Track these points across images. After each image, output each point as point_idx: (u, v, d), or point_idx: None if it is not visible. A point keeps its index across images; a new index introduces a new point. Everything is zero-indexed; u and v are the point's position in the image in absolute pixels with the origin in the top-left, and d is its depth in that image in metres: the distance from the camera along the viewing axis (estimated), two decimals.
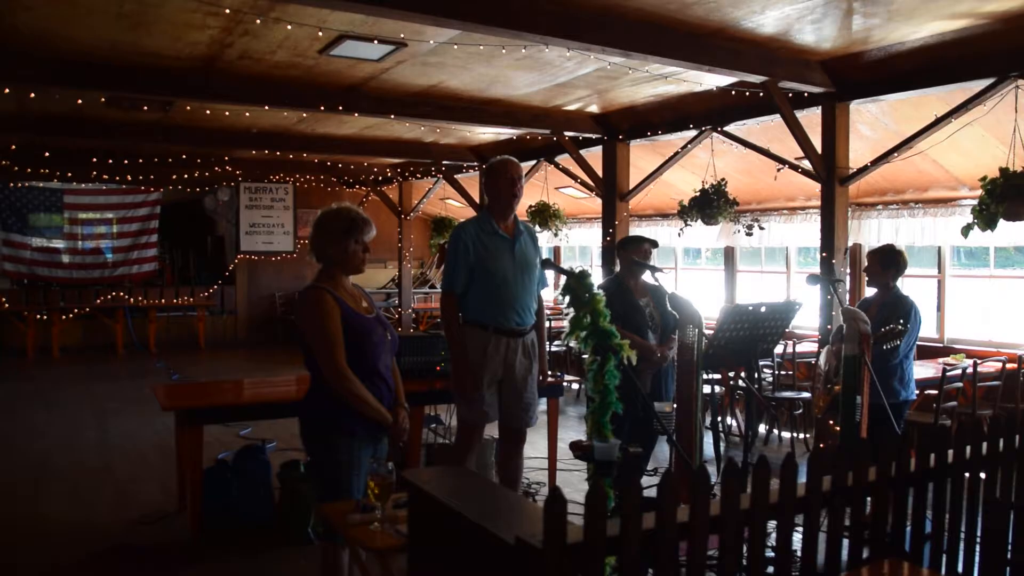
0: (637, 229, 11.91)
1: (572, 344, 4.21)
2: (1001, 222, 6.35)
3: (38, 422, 9.72)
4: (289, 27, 6.41)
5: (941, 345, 9.09)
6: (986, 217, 6.34)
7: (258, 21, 6.35)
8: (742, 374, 5.57)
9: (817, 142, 7.82)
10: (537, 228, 12.36)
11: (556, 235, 12.75)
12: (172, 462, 6.94)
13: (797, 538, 2.86)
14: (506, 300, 5.20)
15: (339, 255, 3.99)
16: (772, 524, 2.75)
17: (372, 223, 4.09)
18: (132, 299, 16.46)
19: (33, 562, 5.55)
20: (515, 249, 5.27)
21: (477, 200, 13.74)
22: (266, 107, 9.09)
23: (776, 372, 8.89)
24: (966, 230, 6.59)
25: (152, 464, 7.82)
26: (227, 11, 6.13)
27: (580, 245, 15.49)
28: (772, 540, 2.85)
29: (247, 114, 10.40)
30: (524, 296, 5.29)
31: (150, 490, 7.01)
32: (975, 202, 6.49)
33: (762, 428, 9.08)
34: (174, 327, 17.15)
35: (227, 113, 10.31)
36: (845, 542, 3.01)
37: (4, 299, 15.46)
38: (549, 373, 6.92)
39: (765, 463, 2.64)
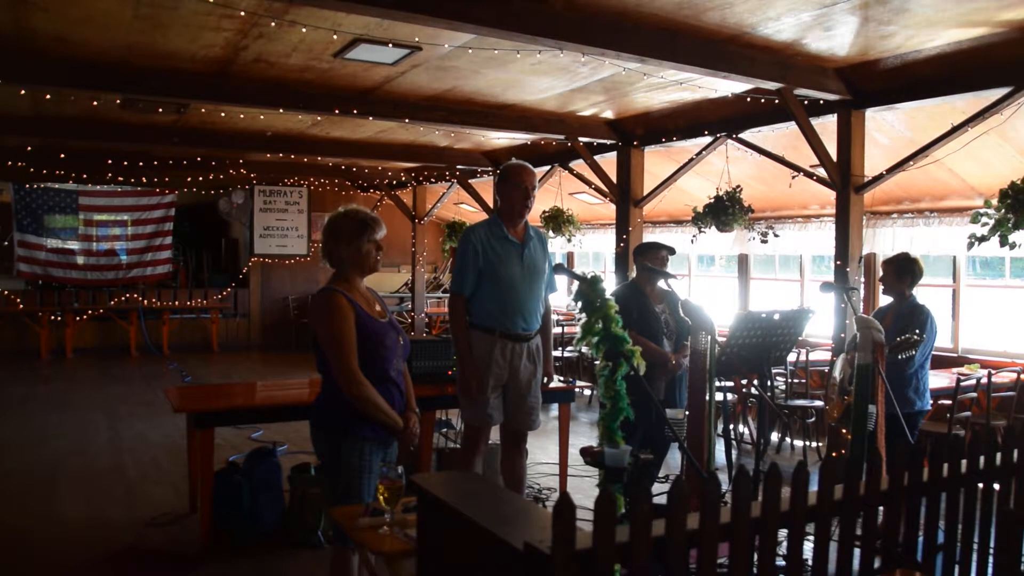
0: (651, 235, 11.88)
1: (584, 349, 4.21)
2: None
3: (51, 423, 9.76)
4: (304, 30, 6.42)
5: (955, 355, 9.03)
6: (1011, 228, 6.31)
7: (273, 24, 6.37)
8: (754, 382, 5.54)
9: (832, 150, 7.79)
10: (550, 234, 12.37)
11: (569, 241, 12.74)
12: (184, 464, 6.97)
13: (808, 547, 2.84)
14: (513, 305, 5.21)
15: (353, 256, 3.99)
16: (783, 533, 2.73)
17: (382, 222, 4.09)
18: (146, 301, 16.52)
19: (45, 563, 5.57)
20: (524, 254, 5.28)
21: (491, 205, 13.74)
22: (280, 110, 9.11)
23: (789, 380, 8.86)
24: (972, 242, 6.58)
25: (164, 466, 7.84)
26: (242, 13, 6.15)
27: (594, 251, 15.48)
28: (783, 549, 2.82)
29: (262, 117, 10.44)
30: (531, 302, 5.30)
31: (162, 492, 7.03)
32: (991, 211, 6.46)
33: (774, 436, 9.05)
34: (187, 329, 17.20)
35: (242, 116, 10.35)
36: (857, 552, 2.99)
37: (19, 300, 15.54)
38: (560, 379, 6.92)
39: (776, 471, 2.62)
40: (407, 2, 5.34)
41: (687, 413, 4.83)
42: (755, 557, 2.64)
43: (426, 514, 2.94)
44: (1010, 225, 6.29)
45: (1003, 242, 6.38)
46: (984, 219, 6.49)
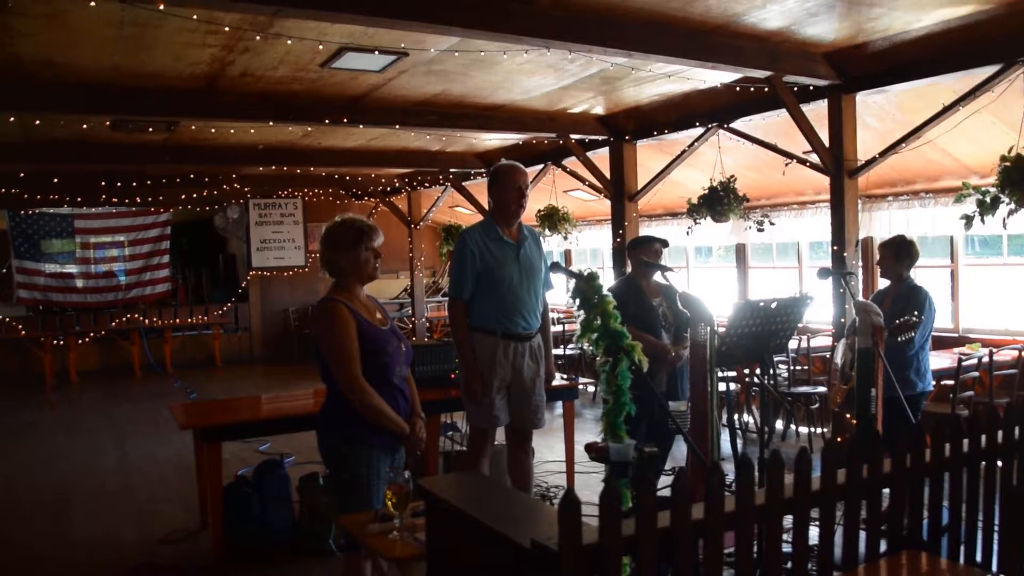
0: (647, 229, 11.89)
1: (584, 346, 4.21)
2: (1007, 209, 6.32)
3: (59, 446, 9.77)
4: (289, 42, 6.42)
5: (956, 335, 9.03)
6: (989, 206, 6.32)
7: (258, 37, 6.37)
8: (756, 370, 5.55)
9: (824, 135, 7.78)
10: (547, 232, 12.37)
11: (566, 238, 12.74)
12: (192, 480, 6.97)
13: (814, 532, 2.85)
14: (513, 305, 5.24)
15: (351, 265, 4.00)
16: (789, 519, 2.74)
17: (379, 229, 4.10)
18: (147, 320, 16.50)
19: None
20: (520, 255, 5.31)
21: (486, 207, 13.72)
22: (270, 123, 9.11)
23: (791, 367, 8.87)
24: (967, 222, 6.58)
25: (173, 483, 7.85)
26: (226, 29, 6.15)
27: (590, 248, 15.48)
28: (789, 535, 2.83)
29: (252, 131, 10.43)
30: (530, 301, 5.33)
31: (172, 509, 7.04)
32: (980, 193, 6.47)
33: (779, 424, 9.06)
34: (190, 346, 17.20)
35: (232, 130, 10.35)
36: (862, 535, 3.00)
37: (20, 326, 15.53)
38: (562, 376, 6.93)
39: (778, 457, 2.63)
40: (391, 8, 5.35)
41: (690, 404, 4.84)
42: (761, 544, 2.66)
43: (435, 517, 2.95)
44: (988, 202, 6.30)
45: (982, 219, 6.39)
46: (967, 198, 6.51)
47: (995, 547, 3.36)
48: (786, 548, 2.75)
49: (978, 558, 3.40)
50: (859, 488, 2.91)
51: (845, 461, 2.89)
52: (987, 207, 6.31)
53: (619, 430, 3.96)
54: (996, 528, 3.36)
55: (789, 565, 2.77)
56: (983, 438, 3.36)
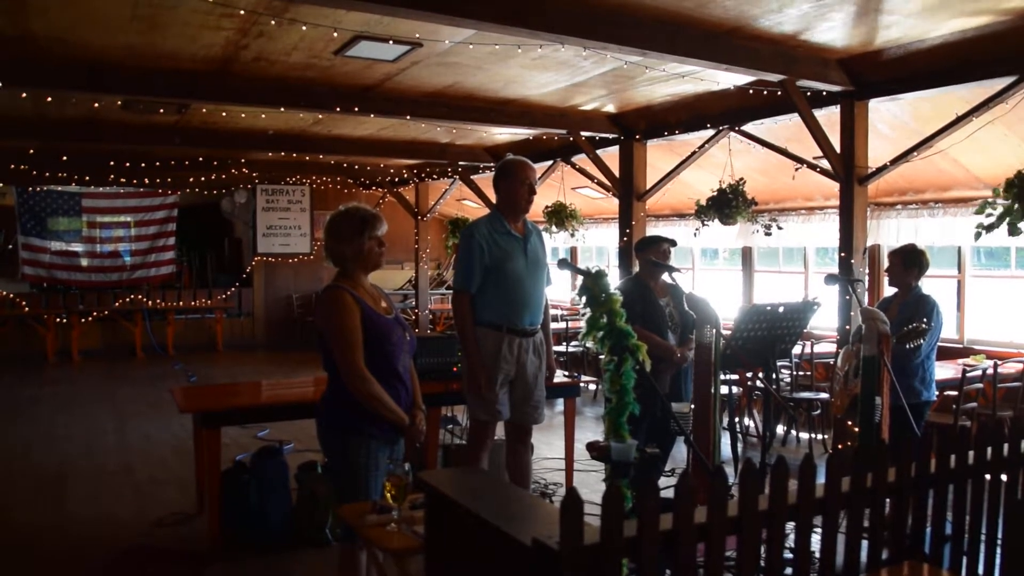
0: (654, 229, 11.87)
1: (589, 344, 4.20)
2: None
3: (59, 425, 9.78)
4: (304, 28, 6.41)
5: (961, 346, 9.01)
6: (1015, 218, 6.27)
7: (273, 22, 6.35)
8: (760, 374, 5.53)
9: (836, 141, 7.75)
10: (553, 228, 12.37)
11: (573, 236, 12.72)
12: (191, 463, 6.97)
13: (816, 539, 2.84)
14: (520, 300, 5.22)
15: (356, 254, 3.99)
16: (791, 525, 2.73)
17: (382, 217, 4.08)
18: (150, 302, 16.51)
19: (56, 563, 5.60)
20: (527, 248, 5.29)
21: (494, 201, 13.70)
22: (282, 109, 9.10)
23: (794, 372, 8.85)
24: (979, 232, 6.53)
25: (171, 466, 7.85)
26: (242, 12, 6.13)
27: (597, 246, 15.46)
28: (791, 541, 2.82)
29: (263, 116, 10.42)
30: (536, 295, 5.32)
31: (170, 492, 7.04)
32: (1000, 201, 6.43)
33: (780, 429, 9.04)
34: (192, 329, 17.21)
35: (243, 115, 10.33)
36: (864, 544, 2.98)
37: (24, 303, 15.54)
38: (564, 373, 6.92)
39: (784, 464, 2.61)
40: None
41: (692, 406, 4.82)
42: (763, 550, 2.64)
43: (433, 511, 2.94)
44: (1017, 210, 6.25)
45: (1012, 231, 6.35)
46: (990, 209, 6.46)
47: (997, 560, 3.34)
48: (787, 554, 2.74)
49: (980, 571, 3.39)
50: (863, 496, 2.89)
51: (849, 469, 2.87)
52: (1018, 215, 6.24)
53: (622, 429, 3.95)
54: (999, 541, 3.34)
55: (789, 571, 2.75)
56: (988, 450, 3.34)
